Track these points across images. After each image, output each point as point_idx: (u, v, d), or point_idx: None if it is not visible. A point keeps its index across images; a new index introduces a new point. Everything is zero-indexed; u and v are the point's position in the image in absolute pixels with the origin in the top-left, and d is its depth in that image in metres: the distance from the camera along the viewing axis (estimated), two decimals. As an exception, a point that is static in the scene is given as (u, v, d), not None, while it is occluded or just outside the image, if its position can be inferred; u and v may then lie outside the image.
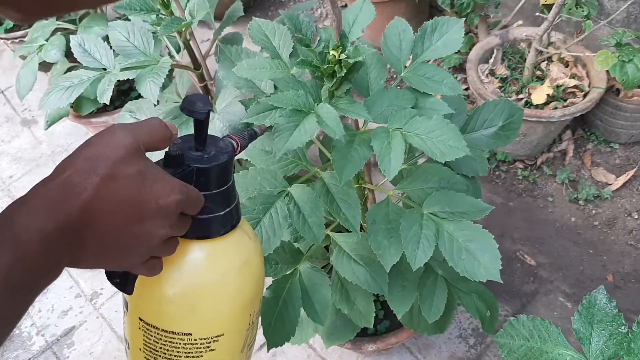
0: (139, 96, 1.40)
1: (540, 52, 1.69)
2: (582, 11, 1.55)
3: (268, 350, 1.00)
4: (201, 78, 1.36)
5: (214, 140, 0.56)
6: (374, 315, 1.35)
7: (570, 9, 1.60)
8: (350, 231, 0.98)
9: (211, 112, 1.20)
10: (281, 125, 0.83)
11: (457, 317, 1.55)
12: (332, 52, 0.80)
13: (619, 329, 0.73)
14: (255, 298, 0.62)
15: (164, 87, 1.60)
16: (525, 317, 0.79)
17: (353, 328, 1.23)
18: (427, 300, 1.09)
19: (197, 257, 0.56)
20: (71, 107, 1.75)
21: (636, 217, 1.67)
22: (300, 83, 0.90)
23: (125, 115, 1.43)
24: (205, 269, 0.57)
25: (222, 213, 0.56)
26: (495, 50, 1.76)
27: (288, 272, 1.05)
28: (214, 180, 0.54)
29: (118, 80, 1.88)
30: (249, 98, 1.19)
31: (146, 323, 0.58)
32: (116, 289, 0.55)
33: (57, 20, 1.67)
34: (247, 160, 1.04)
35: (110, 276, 0.54)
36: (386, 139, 0.87)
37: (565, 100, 1.66)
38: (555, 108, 1.62)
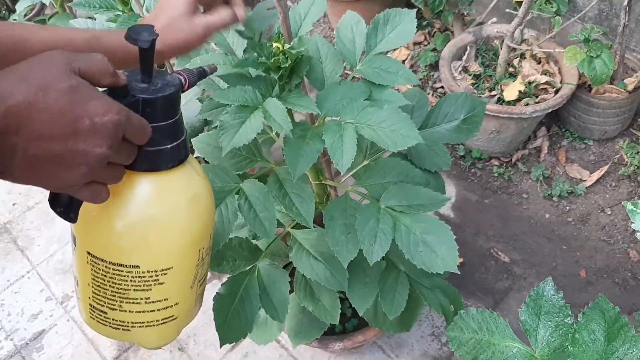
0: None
1: (513, 49, 1.68)
2: (552, 7, 1.55)
3: (220, 346, 0.98)
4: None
5: (162, 74, 0.56)
6: (342, 313, 1.35)
7: (540, 6, 1.60)
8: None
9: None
10: (227, 122, 0.82)
11: (429, 315, 1.54)
12: (275, 45, 0.79)
13: (565, 320, 0.72)
14: (205, 234, 0.62)
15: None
16: (474, 310, 0.78)
17: (320, 326, 1.22)
18: (388, 296, 1.08)
19: (146, 190, 0.56)
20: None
21: (609, 213, 1.67)
22: (250, 79, 0.89)
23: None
24: (153, 201, 0.57)
25: (169, 146, 0.55)
26: (468, 48, 1.76)
27: (246, 269, 1.04)
28: (161, 112, 0.54)
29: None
30: (207, 95, 1.18)
31: (94, 257, 0.58)
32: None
33: (26, 20, 1.66)
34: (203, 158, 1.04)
35: (54, 205, 0.54)
36: (338, 131, 0.86)
37: (537, 97, 1.65)
38: (527, 104, 1.61)
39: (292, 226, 1.10)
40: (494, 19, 1.86)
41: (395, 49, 2.15)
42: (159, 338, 0.66)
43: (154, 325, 0.63)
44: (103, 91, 0.50)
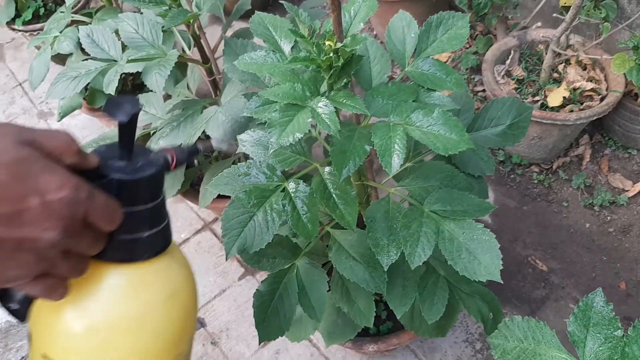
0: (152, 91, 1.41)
1: (558, 54, 1.65)
2: (601, 13, 1.51)
3: (259, 343, 0.98)
4: (209, 72, 1.36)
5: (144, 152, 0.49)
6: (377, 315, 1.34)
7: (588, 11, 1.57)
8: (350, 228, 0.96)
9: (217, 107, 1.20)
10: (275, 120, 0.82)
11: (464, 321, 1.53)
12: (327, 42, 0.78)
13: (615, 333, 0.70)
14: (183, 337, 0.53)
15: (176, 81, 1.61)
16: (520, 318, 0.77)
17: (354, 327, 1.22)
18: (427, 301, 1.07)
19: (113, 284, 0.48)
20: (84, 99, 1.76)
21: (653, 224, 1.63)
22: (299, 77, 0.89)
23: (134, 108, 1.43)
24: (122, 298, 0.48)
25: (146, 234, 0.48)
26: (512, 52, 1.73)
27: (285, 267, 1.03)
28: (139, 195, 0.47)
29: (132, 75, 1.90)
30: (252, 92, 1.18)
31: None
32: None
33: (72, 13, 1.69)
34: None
35: (3, 299, 0.46)
36: (387, 133, 0.85)
37: (581, 104, 1.62)
38: (571, 111, 1.58)
39: (331, 226, 1.09)
40: (539, 24, 1.82)
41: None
42: None
43: None
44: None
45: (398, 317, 1.06)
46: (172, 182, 1.47)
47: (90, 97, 1.75)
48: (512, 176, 1.80)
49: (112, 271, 0.47)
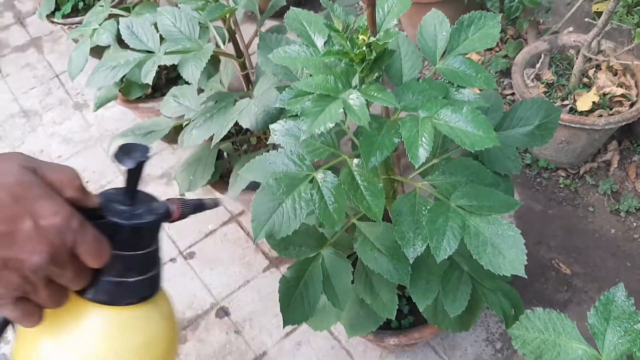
0: (186, 84, 1.45)
1: (589, 59, 1.65)
2: (633, 19, 1.51)
3: (284, 327, 1.01)
4: (243, 66, 1.39)
5: (148, 199, 0.51)
6: (399, 310, 1.36)
7: (621, 17, 1.57)
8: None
9: (249, 99, 1.23)
10: (307, 109, 0.85)
11: (485, 321, 1.54)
12: (361, 37, 0.81)
13: (635, 326, 0.71)
14: None
15: (209, 76, 1.65)
16: (541, 310, 0.78)
17: (376, 320, 1.24)
18: (449, 295, 1.08)
19: (90, 323, 0.48)
20: (120, 91, 1.81)
21: (681, 232, 1.62)
22: (331, 69, 0.92)
23: (170, 100, 1.48)
24: (96, 339, 0.48)
25: (132, 280, 0.49)
26: (542, 55, 1.74)
27: (311, 256, 1.06)
28: (131, 240, 0.48)
29: (167, 68, 1.94)
30: (284, 85, 1.21)
31: None
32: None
33: (111, 7, 1.73)
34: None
35: None
36: (415, 126, 0.87)
37: (611, 109, 1.62)
38: (600, 116, 1.58)
39: (357, 218, 1.12)
40: (570, 29, 1.83)
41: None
42: None
43: None
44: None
45: (421, 310, 1.08)
46: (202, 174, 1.50)
47: (126, 89, 1.80)
48: (538, 180, 1.80)
49: (92, 310, 0.48)
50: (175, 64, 1.27)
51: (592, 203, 1.72)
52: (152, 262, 0.51)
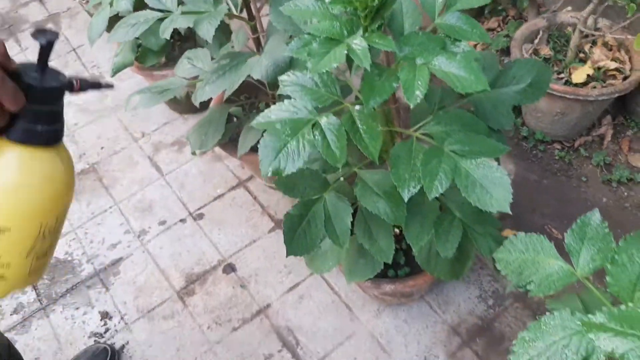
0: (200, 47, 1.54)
1: (586, 36, 1.73)
2: (627, -6, 1.58)
3: (287, 256, 1.09)
4: (254, 30, 1.47)
5: (56, 73, 0.66)
6: (396, 261, 1.45)
7: (616, -7, 1.64)
8: (374, 168, 1.06)
9: (258, 56, 1.31)
10: (314, 50, 0.93)
11: (478, 279, 1.61)
12: (364, -17, 0.89)
13: (608, 245, 0.79)
14: (47, 212, 0.70)
15: (221, 45, 1.73)
16: (523, 234, 0.86)
17: (374, 267, 1.31)
18: (442, 238, 1.16)
19: (8, 155, 0.65)
20: (135, 59, 1.89)
21: (669, 202, 1.69)
22: (337, 18, 1.00)
23: (184, 62, 1.56)
24: (10, 166, 0.65)
25: (40, 127, 0.65)
26: (541, 32, 1.81)
27: (315, 197, 1.14)
28: (40, 99, 0.64)
29: (179, 39, 2.02)
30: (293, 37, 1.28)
31: None
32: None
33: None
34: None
35: None
36: (413, 71, 0.95)
37: (604, 82, 1.69)
38: (594, 87, 1.66)
39: (358, 167, 1.20)
40: (569, 8, 1.90)
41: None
42: None
43: None
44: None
45: (415, 251, 1.16)
46: (213, 134, 1.59)
47: (142, 56, 1.88)
48: (534, 152, 1.88)
49: (10, 146, 0.64)
50: (189, 33, 1.34)
51: (586, 174, 1.80)
52: (56, 119, 0.67)
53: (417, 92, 0.92)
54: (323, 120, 1.02)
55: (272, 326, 1.60)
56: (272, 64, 1.21)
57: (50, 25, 2.79)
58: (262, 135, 0.99)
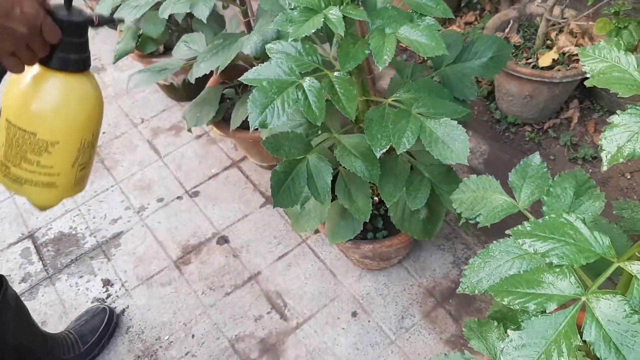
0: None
1: (553, 24, 1.87)
2: (587, -16, 1.73)
3: (274, 207, 1.22)
4: (245, 14, 1.61)
5: (81, 11, 0.81)
6: (375, 225, 1.57)
7: (578, -16, 1.78)
8: (352, 133, 1.20)
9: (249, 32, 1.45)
10: (294, 18, 1.07)
11: (453, 247, 1.74)
12: (338, -41, 1.02)
13: (545, 182, 0.92)
14: (86, 128, 0.86)
15: (215, 33, 1.87)
16: (474, 176, 0.99)
17: (354, 230, 1.45)
18: (412, 194, 1.30)
19: (50, 81, 0.81)
20: (136, 48, 2.02)
21: (629, 177, 1.83)
22: (317, -7, 1.13)
23: (181, 45, 1.70)
24: (54, 90, 0.81)
25: (73, 56, 0.81)
26: (511, 22, 1.96)
27: (299, 158, 1.27)
28: (71, 31, 0.79)
29: (177, 31, 2.16)
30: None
31: (9, 122, 0.83)
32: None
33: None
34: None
35: None
36: (382, 39, 1.09)
37: (568, 66, 1.83)
38: (559, 70, 1.80)
39: (338, 133, 1.33)
40: (539, 1, 2.04)
41: (451, 24, 2.37)
42: (42, 199, 0.91)
43: (39, 186, 0.87)
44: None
45: (388, 205, 1.29)
46: (208, 112, 1.73)
47: (142, 44, 2.02)
48: (507, 134, 2.02)
49: (51, 74, 0.81)
50: (186, 25, 1.47)
51: (554, 153, 1.94)
52: (84, 49, 0.83)
53: (385, 57, 1.06)
54: (306, 83, 1.15)
55: (262, 291, 1.73)
56: (260, 40, 1.35)
57: None
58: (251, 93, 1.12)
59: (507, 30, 1.95)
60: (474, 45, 1.35)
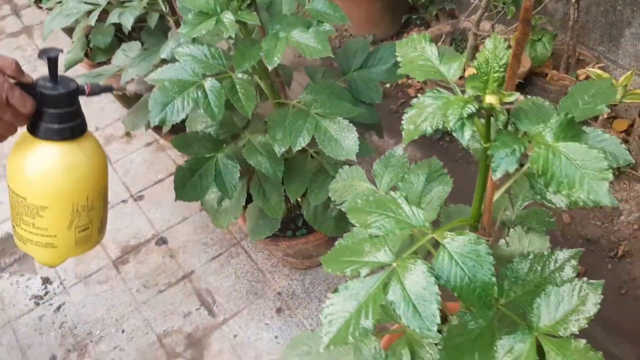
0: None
1: (481, 38, 1.96)
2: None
3: (175, 200, 1.29)
4: (177, 23, 1.70)
5: (67, 80, 0.84)
6: (295, 224, 1.64)
7: (496, -1, 1.88)
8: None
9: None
10: (189, 20, 1.15)
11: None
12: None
13: (404, 170, 0.99)
14: (77, 193, 0.87)
15: (159, 44, 1.95)
16: (347, 166, 1.06)
17: (272, 228, 1.51)
18: (315, 190, 1.37)
19: (37, 150, 0.83)
20: (86, 56, 2.11)
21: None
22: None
23: (120, 53, 1.79)
24: (40, 158, 0.83)
25: (56, 127, 0.83)
26: (444, 36, 2.05)
27: (208, 156, 1.35)
28: (54, 102, 0.81)
29: (125, 40, 2.24)
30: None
31: (9, 188, 0.87)
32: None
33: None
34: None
35: None
36: (274, 41, 1.17)
37: (494, 77, 1.91)
38: (483, 81, 1.88)
39: (249, 134, 1.41)
40: (473, 16, 2.13)
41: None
42: (45, 258, 0.93)
43: (40, 246, 0.89)
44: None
45: (292, 201, 1.37)
46: (144, 117, 1.79)
47: (93, 54, 2.11)
48: (441, 143, 2.10)
49: (37, 143, 0.83)
50: (138, 36, 1.58)
51: (483, 161, 2.01)
52: (72, 118, 0.85)
53: (275, 58, 1.14)
54: (207, 84, 1.22)
55: (193, 289, 1.79)
56: (176, 45, 1.43)
57: (24, 36, 3.03)
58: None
59: (439, 44, 2.04)
60: (379, 51, 1.43)
